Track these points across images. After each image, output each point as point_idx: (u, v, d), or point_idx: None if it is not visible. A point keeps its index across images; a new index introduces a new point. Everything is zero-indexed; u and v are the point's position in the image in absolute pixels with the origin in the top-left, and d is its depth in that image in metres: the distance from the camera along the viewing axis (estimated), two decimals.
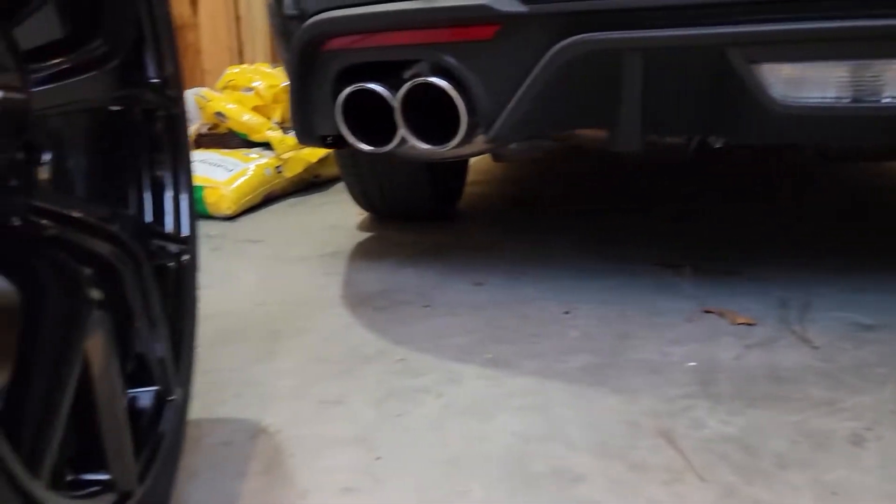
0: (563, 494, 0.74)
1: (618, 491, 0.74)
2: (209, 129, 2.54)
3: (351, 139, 1.18)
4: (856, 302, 1.26)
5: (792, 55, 0.87)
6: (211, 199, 2.10)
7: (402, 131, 1.12)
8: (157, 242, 0.72)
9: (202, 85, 2.84)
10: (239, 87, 2.59)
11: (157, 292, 0.64)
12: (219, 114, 2.48)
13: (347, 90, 1.13)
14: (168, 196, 0.77)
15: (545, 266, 1.53)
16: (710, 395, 0.95)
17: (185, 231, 0.78)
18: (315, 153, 2.45)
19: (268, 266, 1.62)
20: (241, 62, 3.03)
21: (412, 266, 1.57)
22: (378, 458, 0.81)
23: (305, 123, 1.25)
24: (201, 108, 2.52)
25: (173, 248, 0.75)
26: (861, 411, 0.89)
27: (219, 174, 2.18)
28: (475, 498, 0.74)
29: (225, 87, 2.61)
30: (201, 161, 2.25)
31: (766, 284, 1.36)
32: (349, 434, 0.87)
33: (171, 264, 0.75)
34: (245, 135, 2.46)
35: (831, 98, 0.89)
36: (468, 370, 1.04)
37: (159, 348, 0.64)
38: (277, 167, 2.37)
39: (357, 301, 1.36)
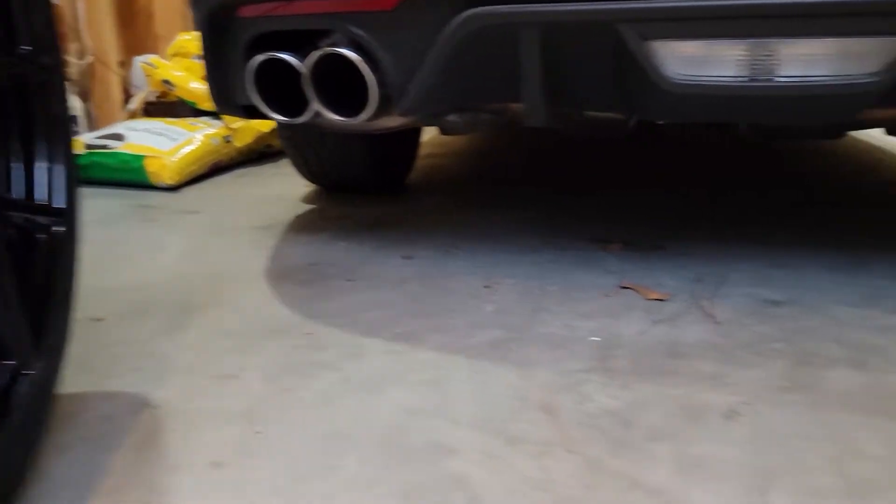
0: (433, 467, 0.75)
1: (487, 464, 0.75)
2: (157, 97, 2.50)
3: (264, 109, 1.17)
4: (770, 277, 1.27)
5: (684, 33, 0.87)
6: (152, 169, 2.08)
7: (313, 102, 1.11)
8: (21, 214, 0.71)
9: (154, 51, 2.78)
10: (189, 55, 2.54)
11: (8, 264, 0.63)
12: (166, 81, 2.44)
13: (258, 59, 1.12)
14: (41, 168, 0.76)
15: (479, 241, 1.53)
16: (605, 370, 0.96)
17: (59, 203, 0.77)
18: (267, 123, 2.42)
19: (199, 238, 1.61)
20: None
21: (346, 239, 1.57)
22: (257, 433, 0.81)
23: (220, 91, 1.23)
24: (148, 76, 2.48)
25: (43, 220, 0.74)
26: (744, 386, 0.90)
27: (162, 143, 2.15)
28: (345, 472, 0.75)
29: (175, 55, 2.56)
30: (144, 130, 2.22)
31: (688, 260, 1.38)
32: (236, 408, 0.87)
33: (42, 236, 0.74)
34: (193, 103, 2.43)
35: (725, 76, 0.88)
36: (374, 345, 1.05)
37: (12, 321, 0.64)
38: (226, 137, 2.34)
39: (280, 275, 1.35)
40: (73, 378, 0.92)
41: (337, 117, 1.10)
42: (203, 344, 1.06)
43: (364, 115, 1.08)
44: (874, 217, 1.68)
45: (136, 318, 1.15)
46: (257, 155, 2.51)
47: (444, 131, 1.73)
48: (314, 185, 2.05)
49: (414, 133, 2.09)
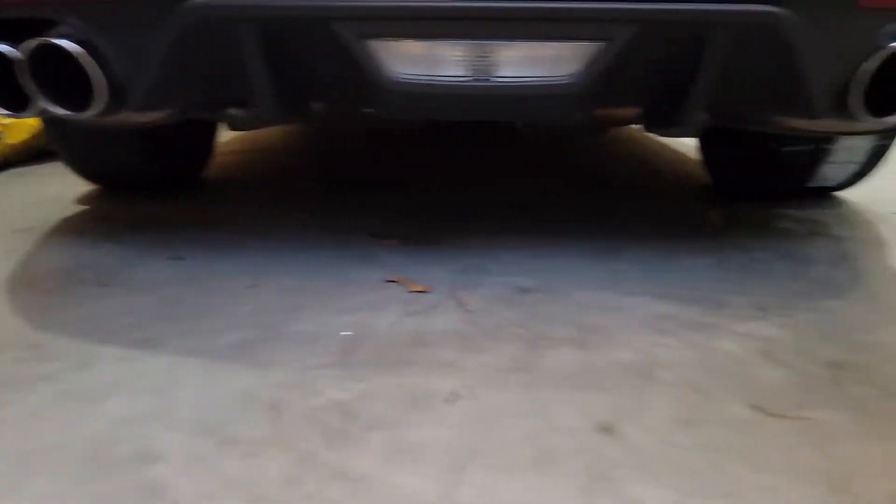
0: (134, 476, 0.72)
1: (191, 468, 0.73)
2: None
3: None
4: (528, 266, 1.35)
5: (401, 32, 0.89)
6: None
7: (36, 95, 1.03)
8: None
9: None
10: None
11: None
12: None
13: None
14: None
15: (258, 238, 1.50)
16: (344, 364, 0.97)
17: None
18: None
19: None
20: None
21: (113, 241, 1.47)
22: None
23: None
24: None
25: None
26: (473, 371, 0.95)
27: None
28: (33, 490, 0.70)
29: None
30: None
31: (459, 253, 1.43)
32: None
33: None
34: None
35: (446, 77, 0.92)
36: (108, 353, 0.99)
37: None
38: None
39: (25, 282, 1.25)
40: None
41: (63, 111, 1.02)
42: None
43: (93, 111, 1.01)
44: (637, 205, 1.83)
45: None
46: (37, 153, 2.31)
47: (231, 126, 1.68)
48: (96, 185, 1.91)
49: (207, 127, 2.01)
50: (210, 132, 2.05)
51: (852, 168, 1.76)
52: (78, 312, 1.12)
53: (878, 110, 1.01)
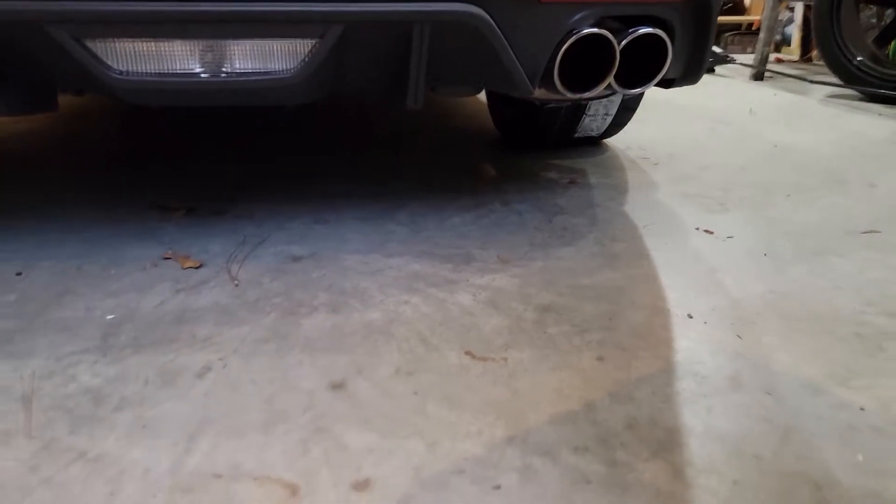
0: None
1: None
2: None
3: None
4: (307, 233, 1.44)
5: (113, 33, 0.92)
6: None
7: None
8: None
9: None
10: None
11: None
12: None
13: None
14: None
15: (29, 222, 1.47)
16: (103, 348, 1.02)
17: None
18: None
19: None
20: None
21: None
22: None
23: None
24: None
25: None
26: (228, 343, 1.04)
27: None
28: None
29: None
30: None
31: (243, 223, 1.49)
32: None
33: None
34: None
35: (171, 73, 0.97)
36: None
37: None
38: None
39: None
40: None
41: None
42: None
43: None
44: (421, 164, 1.96)
45: None
46: None
47: None
48: None
49: None
50: None
51: (609, 119, 1.99)
52: None
53: (577, 87, 1.18)
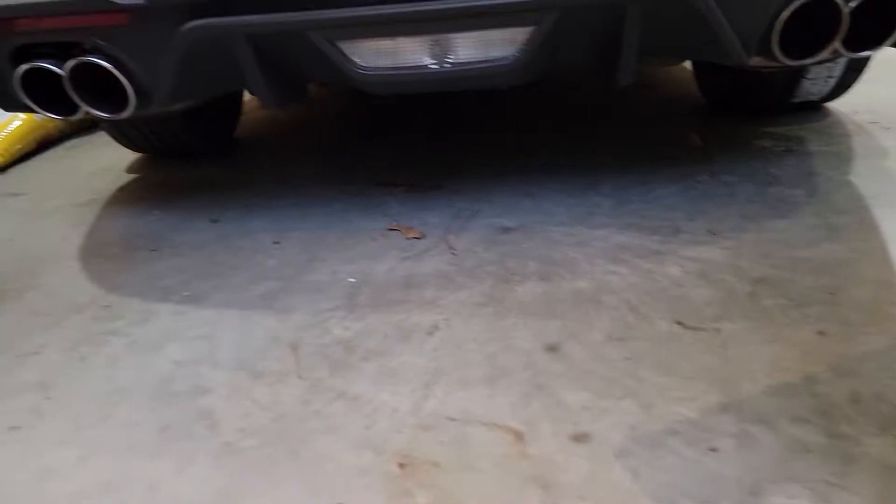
0: (188, 406, 0.97)
1: (231, 396, 0.98)
2: None
3: (39, 111, 1.29)
4: (515, 206, 1.53)
5: (359, 34, 1.05)
6: None
7: (79, 102, 1.24)
8: None
9: None
10: None
11: None
12: None
13: (22, 68, 1.23)
14: None
15: (281, 196, 1.71)
16: (349, 307, 1.19)
17: None
18: None
19: (20, 221, 1.72)
20: None
21: (160, 208, 1.71)
22: (48, 398, 1.00)
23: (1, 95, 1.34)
24: None
25: None
26: (450, 306, 1.16)
27: None
28: (118, 419, 0.96)
29: None
30: None
31: (456, 197, 1.61)
32: (33, 380, 1.05)
33: None
34: None
35: (405, 66, 1.09)
36: (163, 309, 1.24)
37: None
38: None
39: (92, 251, 1.50)
40: None
41: (103, 115, 1.24)
42: (11, 326, 1.22)
43: (127, 112, 1.22)
44: (627, 134, 1.96)
45: None
46: (88, 124, 2.55)
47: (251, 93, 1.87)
48: (140, 153, 2.15)
49: (234, 96, 2.21)
50: (237, 99, 2.25)
51: (833, 81, 1.85)
52: (136, 275, 1.37)
53: (797, 53, 1.14)
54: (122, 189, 1.89)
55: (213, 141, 2.12)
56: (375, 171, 1.82)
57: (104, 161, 2.17)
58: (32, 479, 0.86)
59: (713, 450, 0.80)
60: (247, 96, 2.61)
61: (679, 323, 1.05)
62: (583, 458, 0.81)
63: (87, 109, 1.24)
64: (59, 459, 0.89)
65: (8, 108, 1.40)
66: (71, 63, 1.19)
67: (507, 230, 1.42)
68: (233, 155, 2.10)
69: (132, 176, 2.00)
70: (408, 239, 1.43)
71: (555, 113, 2.30)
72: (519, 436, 0.86)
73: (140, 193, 1.84)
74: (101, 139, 2.45)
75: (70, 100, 1.25)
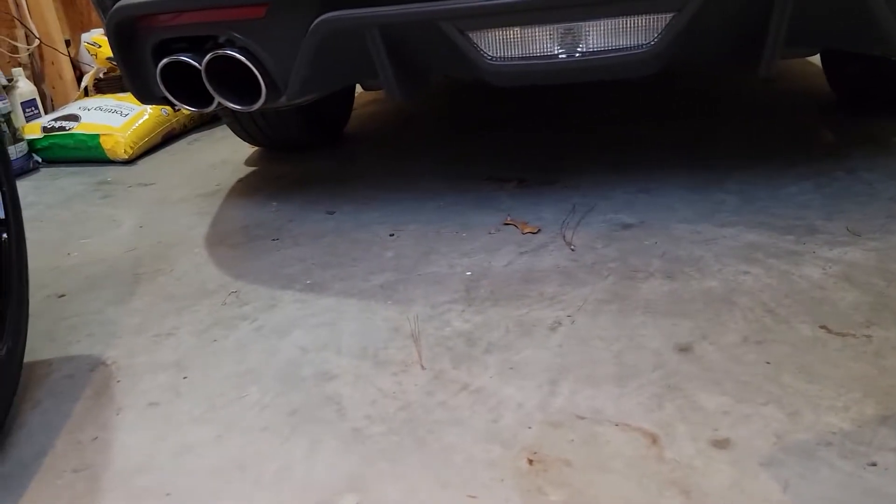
0: (316, 390, 0.99)
1: (356, 383, 0.99)
2: (105, 73, 2.64)
3: (176, 103, 1.35)
4: (632, 202, 1.49)
5: (490, 23, 1.04)
6: (108, 146, 2.26)
7: (214, 94, 1.30)
8: None
9: (99, 25, 2.89)
10: None
11: None
12: (111, 58, 2.57)
13: (163, 62, 1.29)
14: None
15: (393, 190, 1.73)
16: (467, 300, 1.18)
17: (1, 215, 0.98)
18: None
19: (150, 210, 1.82)
20: None
21: (277, 199, 1.77)
22: (185, 378, 1.05)
23: (138, 88, 1.41)
24: (93, 55, 2.61)
25: None
26: (573, 302, 1.13)
27: (114, 120, 2.32)
28: (249, 400, 0.99)
29: None
30: (96, 108, 2.38)
31: (570, 193, 1.58)
32: (170, 360, 1.10)
33: None
34: None
35: (532, 56, 1.07)
36: (287, 296, 1.27)
37: None
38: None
39: (217, 240, 1.57)
40: (42, 348, 1.16)
41: (236, 106, 1.29)
42: (147, 309, 1.28)
43: (258, 104, 1.27)
44: (751, 128, 1.87)
45: (93, 291, 1.37)
46: (209, 118, 2.68)
47: (366, 88, 1.91)
48: (256, 147, 2.23)
49: (347, 92, 2.26)
50: (349, 95, 2.30)
51: None
52: (261, 263, 1.42)
53: None
54: (241, 181, 1.97)
55: (326, 135, 2.17)
56: (486, 166, 1.81)
57: (223, 154, 2.26)
58: (172, 453, 0.90)
59: (872, 464, 0.74)
60: (357, 90, 2.66)
61: (823, 327, 0.99)
62: (725, 465, 0.77)
63: (221, 101, 1.29)
64: (196, 436, 0.92)
65: (146, 101, 1.48)
66: (208, 56, 1.24)
67: (626, 226, 1.38)
68: (343, 149, 2.14)
69: (250, 168, 2.07)
70: (524, 234, 1.41)
71: (668, 106, 2.22)
72: (654, 438, 0.82)
73: (259, 185, 1.91)
74: (219, 134, 2.57)
75: (205, 92, 1.30)
